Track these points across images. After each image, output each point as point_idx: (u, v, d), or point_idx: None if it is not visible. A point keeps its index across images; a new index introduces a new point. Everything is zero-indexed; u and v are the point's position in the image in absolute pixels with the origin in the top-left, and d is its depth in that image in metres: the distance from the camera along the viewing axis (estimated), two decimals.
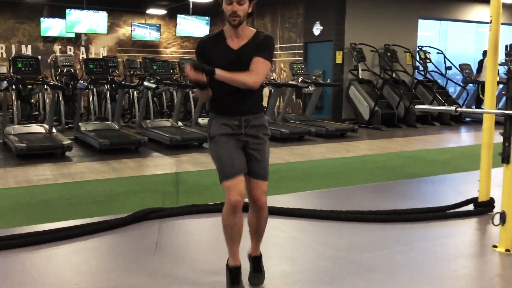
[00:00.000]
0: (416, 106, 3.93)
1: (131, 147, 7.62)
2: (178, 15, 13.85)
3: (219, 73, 2.56)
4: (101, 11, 12.37)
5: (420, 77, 12.33)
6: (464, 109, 4.26)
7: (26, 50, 14.16)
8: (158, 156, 7.26)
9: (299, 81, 9.95)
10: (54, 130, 8.01)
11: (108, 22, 14.98)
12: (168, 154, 7.33)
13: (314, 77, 10.49)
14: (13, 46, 14.00)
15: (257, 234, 2.87)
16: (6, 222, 4.06)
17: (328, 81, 11.38)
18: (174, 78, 11.07)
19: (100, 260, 3.34)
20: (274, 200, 4.58)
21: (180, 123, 9.11)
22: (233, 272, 2.76)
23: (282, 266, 3.24)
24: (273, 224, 3.97)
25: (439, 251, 3.52)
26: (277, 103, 11.28)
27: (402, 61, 12.02)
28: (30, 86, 9.75)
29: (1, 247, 3.33)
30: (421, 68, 12.36)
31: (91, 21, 12.34)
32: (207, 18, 14.13)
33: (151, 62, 10.28)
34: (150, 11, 14.96)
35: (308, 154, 7.58)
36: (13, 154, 6.96)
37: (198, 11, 14.22)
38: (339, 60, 11.52)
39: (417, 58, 12.48)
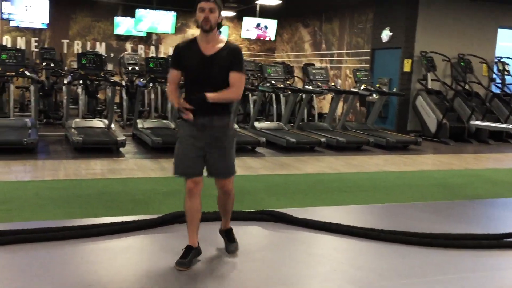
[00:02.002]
0: (472, 122, 3.55)
1: None
2: (244, 17, 13.83)
3: (210, 96, 2.96)
4: (170, 11, 12.59)
5: (497, 90, 11.50)
6: None
7: (100, 48, 14.75)
8: None
9: (362, 88, 9.56)
10: (113, 125, 8.22)
11: (178, 23, 15.30)
12: None
13: (378, 85, 10.04)
14: (88, 43, 14.64)
15: (225, 210, 3.32)
16: (42, 214, 4.12)
17: (395, 90, 10.88)
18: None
19: (118, 261, 3.26)
20: (314, 212, 4.37)
21: (236, 126, 9.04)
22: (187, 249, 3.11)
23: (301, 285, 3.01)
24: (303, 239, 3.77)
25: (488, 284, 3.15)
26: (339, 111, 10.95)
27: (477, 72, 11.28)
28: (97, 82, 10.12)
29: (18, 241, 3.34)
30: (498, 80, 11.53)
31: (158, 21, 12.60)
32: (273, 21, 13.99)
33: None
34: None
35: (362, 165, 7.22)
36: (71, 147, 7.18)
37: (266, 13, 14.15)
38: (407, 68, 10.98)
39: (495, 69, 11.65)
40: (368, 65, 12.05)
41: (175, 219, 3.94)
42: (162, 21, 12.62)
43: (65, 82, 8.31)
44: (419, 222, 4.38)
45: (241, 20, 14.85)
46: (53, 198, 4.59)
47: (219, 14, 3.01)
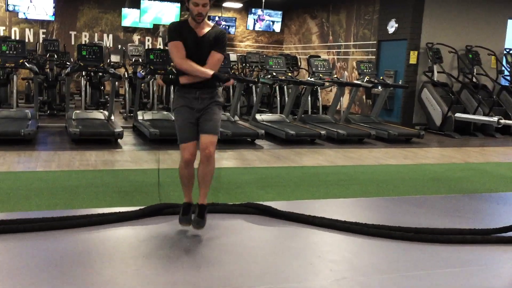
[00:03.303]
0: (457, 114, 3.47)
1: None
2: (252, 9, 13.75)
3: (182, 80, 3.44)
4: (174, 3, 12.56)
5: (505, 83, 11.27)
6: (507, 121, 3.71)
7: (108, 39, 14.81)
8: None
9: (365, 80, 9.44)
10: (113, 117, 8.24)
11: (183, 14, 15.27)
12: (216, 149, 7.20)
13: (381, 78, 9.90)
14: (95, 34, 14.69)
15: (204, 182, 3.50)
16: (25, 205, 4.14)
17: (400, 82, 10.73)
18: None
19: (94, 252, 3.25)
20: (301, 206, 4.33)
21: (236, 118, 9.00)
22: (186, 206, 3.56)
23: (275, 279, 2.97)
24: (285, 232, 3.73)
25: (467, 280, 3.07)
26: (345, 103, 10.85)
27: (485, 65, 11.06)
28: (100, 74, 10.15)
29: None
30: (506, 72, 11.29)
31: (163, 12, 12.58)
32: (279, 12, 13.89)
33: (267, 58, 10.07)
34: (227, 4, 15.01)
35: (361, 158, 7.14)
36: (70, 138, 7.21)
37: (272, 5, 14.05)
38: (413, 60, 10.82)
39: (504, 62, 11.41)
40: (374, 57, 11.90)
41: (157, 212, 3.93)
42: (166, 12, 12.61)
43: (65, 73, 8.32)
44: (407, 216, 4.32)
45: (248, 12, 14.79)
46: (40, 189, 4.60)
47: (210, 6, 3.41)
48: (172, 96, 9.67)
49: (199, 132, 3.47)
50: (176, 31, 3.43)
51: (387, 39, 11.52)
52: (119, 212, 3.84)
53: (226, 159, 6.63)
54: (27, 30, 13.98)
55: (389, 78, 10.98)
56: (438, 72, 10.58)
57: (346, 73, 13.01)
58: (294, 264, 3.19)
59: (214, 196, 4.60)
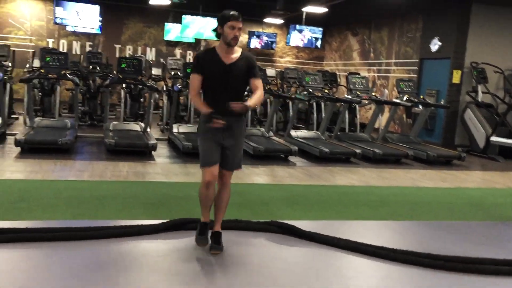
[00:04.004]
0: (492, 138, 3.27)
1: None
2: (291, 25, 13.74)
3: (250, 104, 3.36)
4: (215, 18, 12.72)
5: None
6: None
7: (151, 53, 15.14)
8: None
9: (404, 99, 9.21)
10: (149, 129, 8.35)
11: None
12: (247, 164, 7.17)
13: (422, 96, 9.63)
14: (139, 48, 15.05)
15: (220, 208, 3.57)
16: (50, 214, 4.20)
17: (442, 102, 10.42)
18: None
19: (111, 265, 3.24)
20: (327, 226, 4.21)
21: (271, 133, 8.94)
22: (203, 226, 3.53)
23: None
24: (306, 253, 3.62)
25: None
26: (381, 122, 10.62)
27: None
28: (140, 86, 10.35)
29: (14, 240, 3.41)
30: None
31: (204, 27, 12.75)
32: (320, 28, 13.83)
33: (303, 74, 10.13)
34: (268, 20, 15.08)
35: (396, 179, 6.92)
36: (105, 148, 7.34)
37: (312, 21, 14.02)
38: (456, 79, 10.49)
39: None
40: (415, 75, 11.63)
41: (179, 226, 3.90)
42: (208, 27, 12.77)
43: (103, 85, 8.52)
44: (438, 242, 4.12)
45: (288, 28, 14.80)
46: (68, 198, 4.67)
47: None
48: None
49: (224, 164, 3.47)
50: (199, 62, 3.42)
51: (430, 57, 11.24)
52: (141, 225, 3.84)
53: (257, 175, 6.57)
54: (74, 42, 14.47)
55: (431, 97, 10.68)
56: (482, 92, 10.21)
57: (386, 91, 12.76)
58: (314, 287, 3.08)
59: (239, 212, 4.54)
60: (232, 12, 3.35)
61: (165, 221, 3.94)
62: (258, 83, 3.45)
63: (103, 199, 4.76)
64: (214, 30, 3.42)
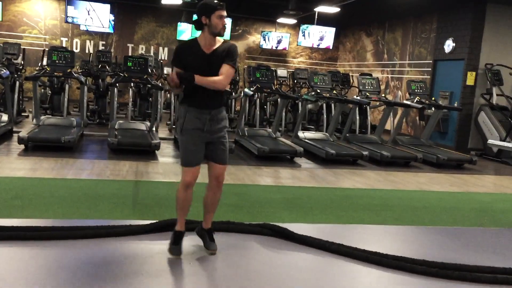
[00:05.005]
0: (489, 141, 3.13)
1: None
2: (305, 25, 13.62)
3: (197, 79, 3.19)
4: (227, 18, 12.66)
5: None
6: None
7: (163, 52, 15.16)
8: (241, 164, 7.05)
9: (415, 101, 9.01)
10: (154, 128, 8.31)
11: (238, 29, 15.37)
12: (251, 165, 7.07)
13: (433, 98, 9.42)
14: (151, 47, 15.07)
15: (213, 208, 3.47)
16: (43, 212, 4.16)
17: (455, 104, 10.19)
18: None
19: (98, 265, 3.18)
20: (322, 230, 4.09)
21: (278, 134, 8.83)
22: (177, 235, 3.39)
23: None
24: (296, 256, 3.51)
25: None
26: (392, 123, 10.42)
27: None
28: (149, 85, 10.32)
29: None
30: None
31: None
32: (333, 29, 13.67)
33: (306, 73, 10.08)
34: (281, 20, 14.97)
35: (402, 182, 6.75)
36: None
37: (325, 21, 13.86)
38: (470, 81, 10.24)
39: None
40: (429, 76, 11.40)
41: (168, 227, 3.82)
42: None
43: (109, 83, 8.51)
44: (437, 248, 3.97)
45: (301, 28, 14.65)
46: (63, 197, 4.63)
47: None
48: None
49: (211, 159, 3.36)
50: (177, 55, 3.33)
51: (444, 58, 11.00)
52: (129, 225, 3.77)
53: (259, 176, 6.47)
54: (87, 41, 14.56)
55: (444, 99, 10.45)
56: (497, 95, 9.94)
57: (399, 92, 12.54)
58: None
59: (234, 214, 4.46)
60: (216, 1, 3.25)
61: (154, 221, 3.87)
62: (225, 69, 3.27)
63: (97, 198, 4.71)
64: (197, 21, 3.28)
